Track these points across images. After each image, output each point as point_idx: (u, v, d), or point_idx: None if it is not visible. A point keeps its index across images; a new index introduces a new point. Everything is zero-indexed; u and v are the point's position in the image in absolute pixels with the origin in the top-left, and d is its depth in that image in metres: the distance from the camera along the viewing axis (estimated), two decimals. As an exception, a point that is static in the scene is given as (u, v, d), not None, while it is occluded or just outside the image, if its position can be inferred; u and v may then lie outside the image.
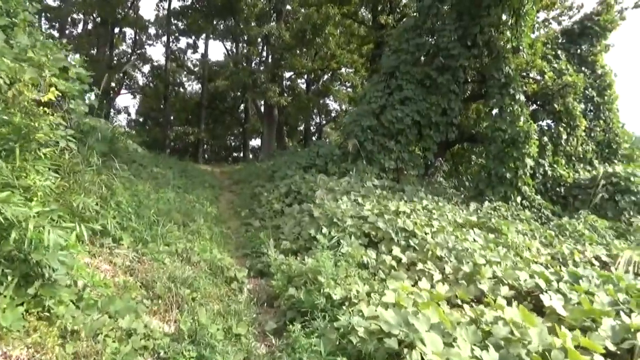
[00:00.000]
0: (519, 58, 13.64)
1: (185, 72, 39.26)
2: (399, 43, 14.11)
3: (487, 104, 13.66)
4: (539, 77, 15.35)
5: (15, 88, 4.55)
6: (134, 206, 6.64)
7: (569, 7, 20.03)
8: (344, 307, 4.47)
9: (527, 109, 13.48)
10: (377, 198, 9.43)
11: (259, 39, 28.73)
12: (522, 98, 13.01)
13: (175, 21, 32.04)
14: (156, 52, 67.92)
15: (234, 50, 33.75)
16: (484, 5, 12.74)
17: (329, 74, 31.74)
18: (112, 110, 34.10)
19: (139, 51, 36.23)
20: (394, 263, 5.94)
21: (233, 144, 43.52)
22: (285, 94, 27.57)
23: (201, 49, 38.58)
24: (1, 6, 6.08)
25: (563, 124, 14.54)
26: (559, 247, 7.93)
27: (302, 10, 26.64)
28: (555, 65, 15.59)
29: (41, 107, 4.74)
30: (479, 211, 10.46)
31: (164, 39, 34.05)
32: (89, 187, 5.74)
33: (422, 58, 13.88)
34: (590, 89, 16.42)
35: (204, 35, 33.02)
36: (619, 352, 3.43)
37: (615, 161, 15.53)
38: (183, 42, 36.99)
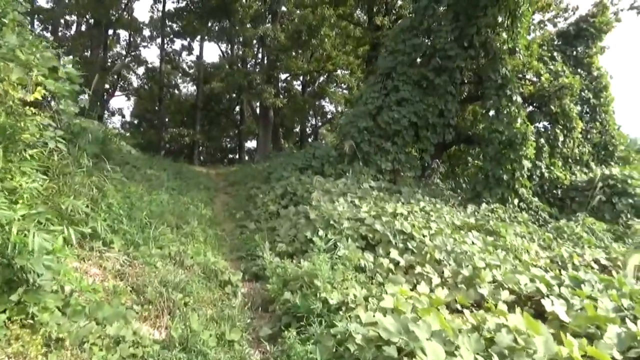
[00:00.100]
0: (515, 59, 13.58)
1: (180, 74, 39.01)
2: (395, 44, 14.03)
3: (484, 105, 13.57)
4: (535, 79, 15.32)
5: (1, 87, 4.40)
6: (125, 208, 6.48)
7: (564, 8, 20.05)
8: (340, 312, 4.34)
9: (524, 111, 13.41)
10: (374, 200, 9.31)
11: (254, 41, 28.62)
12: (519, 99, 12.94)
13: (170, 23, 31.80)
14: (151, 54, 67.55)
15: (229, 51, 33.56)
16: (480, 5, 12.67)
17: (325, 76, 31.68)
18: (106, 112, 33.84)
19: (133, 53, 36.01)
20: (391, 266, 5.82)
21: (229, 145, 43.35)
22: (281, 96, 27.44)
23: (196, 51, 38.56)
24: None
25: (560, 126, 14.51)
26: (557, 250, 7.84)
27: (298, 11, 26.54)
28: (552, 67, 15.57)
29: (28, 107, 4.58)
30: (476, 213, 10.36)
31: (159, 40, 33.82)
32: (79, 189, 5.59)
33: (419, 59, 13.81)
34: (586, 91, 16.41)
35: (198, 37, 32.78)
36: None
37: (612, 163, 15.49)
38: (178, 43, 36.99)
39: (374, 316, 3.78)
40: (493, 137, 12.32)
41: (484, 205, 11.19)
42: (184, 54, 37.15)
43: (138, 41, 35.56)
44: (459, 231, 7.95)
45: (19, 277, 3.33)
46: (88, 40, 30.21)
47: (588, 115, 16.50)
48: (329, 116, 39.03)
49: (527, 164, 12.28)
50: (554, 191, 13.80)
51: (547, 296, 4.63)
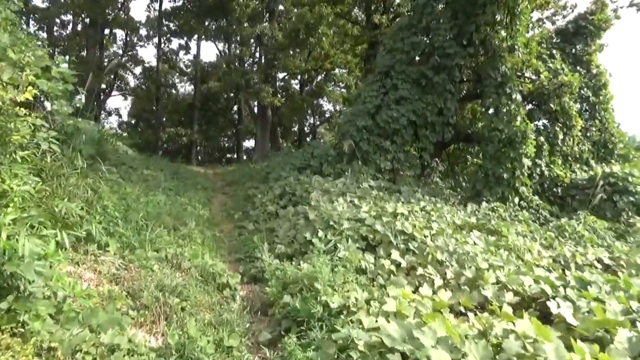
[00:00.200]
0: (514, 57, 13.48)
1: (177, 74, 38.91)
2: (394, 42, 13.92)
3: (483, 103, 13.48)
4: (534, 77, 15.23)
5: (-9, 87, 4.28)
6: (121, 210, 6.36)
7: (563, 6, 19.90)
8: (342, 317, 4.22)
9: (524, 109, 13.32)
10: (374, 199, 9.20)
11: (252, 39, 28.45)
12: (519, 97, 12.85)
13: (167, 22, 31.66)
14: (148, 54, 67.23)
15: (227, 50, 33.43)
16: (479, 3, 12.56)
17: (323, 75, 31.53)
18: (102, 112, 33.65)
19: (130, 52, 35.83)
20: (393, 268, 5.71)
21: (226, 145, 43.21)
22: (279, 95, 27.30)
23: (193, 50, 38.46)
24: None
25: (559, 124, 14.43)
26: (560, 250, 7.75)
27: (295, 10, 26.40)
28: (551, 65, 15.48)
29: (19, 108, 4.45)
30: (477, 212, 10.25)
31: (156, 40, 33.68)
32: (74, 191, 5.47)
33: (418, 57, 13.70)
34: (585, 89, 16.34)
35: (195, 36, 32.65)
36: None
37: (612, 161, 15.41)
38: (175, 43, 36.71)
39: (376, 321, 3.67)
40: (493, 135, 12.22)
41: (484, 204, 11.10)
42: (181, 53, 37.19)
43: (135, 40, 35.42)
44: (461, 231, 7.84)
45: (9, 284, 3.21)
46: (84, 40, 30.02)
47: (587, 113, 16.44)
48: (327, 115, 38.94)
49: (527, 162, 12.19)
50: (554, 189, 13.72)
51: (553, 298, 4.53)
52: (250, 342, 4.42)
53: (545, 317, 4.36)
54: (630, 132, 17.73)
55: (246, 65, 29.99)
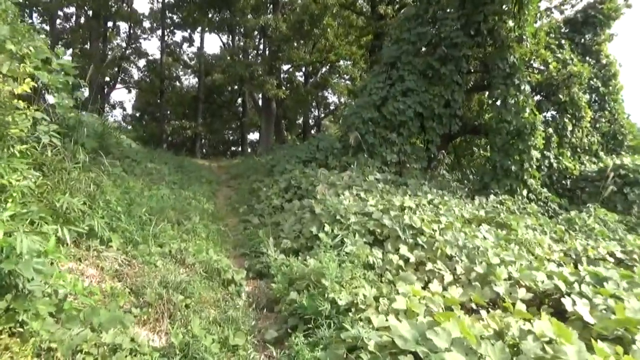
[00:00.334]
0: (522, 47, 13.23)
1: (181, 66, 38.68)
2: (400, 33, 13.69)
3: (491, 94, 13.27)
4: (542, 68, 14.96)
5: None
6: (124, 205, 6.25)
7: (572, -5, 19.57)
8: (350, 314, 4.11)
9: (533, 100, 13.09)
10: (380, 193, 9.06)
11: (256, 31, 28.22)
12: (528, 88, 12.61)
13: (170, 14, 31.47)
14: (151, 46, 67.13)
15: (230, 43, 33.16)
16: (487, -8, 12.33)
17: (327, 67, 31.27)
18: (106, 105, 33.59)
19: (133, 45, 35.67)
20: (401, 263, 5.59)
21: (231, 138, 43.07)
22: (283, 87, 27.09)
23: (197, 42, 38.16)
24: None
25: (568, 115, 14.19)
26: (570, 243, 7.60)
27: (299, 0, 26.11)
28: (559, 55, 15.18)
29: (18, 100, 4.34)
30: (484, 205, 10.09)
31: (159, 32, 33.49)
32: (76, 186, 5.36)
33: (424, 48, 13.47)
34: (595, 79, 16.07)
35: (199, 28, 32.41)
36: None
37: (622, 153, 15.17)
38: (178, 35, 36.62)
39: (386, 320, 3.55)
40: (501, 127, 12.02)
41: (491, 196, 10.93)
42: (185, 45, 36.88)
43: (138, 33, 35.23)
44: (469, 225, 7.70)
45: (6, 282, 3.10)
46: (87, 33, 29.86)
47: (597, 104, 16.18)
48: (331, 107, 38.71)
49: (535, 154, 11.98)
50: (563, 182, 13.52)
51: (568, 294, 4.39)
52: (256, 339, 4.31)
53: (560, 314, 4.22)
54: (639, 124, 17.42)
55: (250, 57, 29.76)
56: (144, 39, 36.31)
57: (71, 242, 4.56)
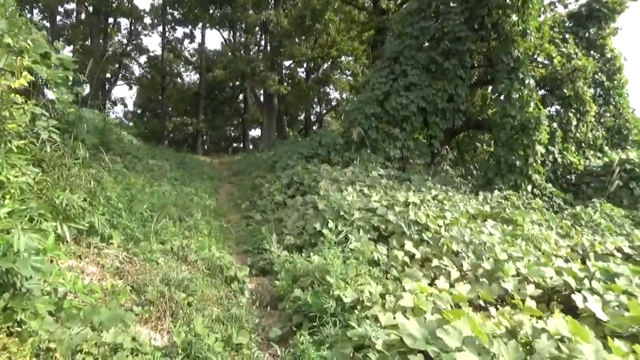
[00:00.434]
0: (526, 42, 13.08)
1: (182, 62, 38.61)
2: (403, 27, 13.57)
3: (495, 89, 13.11)
4: (547, 62, 14.82)
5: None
6: (125, 201, 6.17)
7: (576, -11, 19.37)
8: (356, 312, 4.02)
9: (537, 94, 12.96)
10: (384, 188, 8.97)
11: (257, 27, 28.05)
12: (532, 83, 12.47)
13: (171, 10, 31.37)
14: (152, 42, 66.91)
15: (232, 38, 33.02)
16: (490, -15, 12.18)
17: (329, 62, 31.10)
18: (107, 101, 33.51)
19: (134, 41, 35.57)
20: (407, 259, 5.50)
21: (233, 134, 43.00)
22: (285, 83, 26.94)
23: (198, 38, 38.00)
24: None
25: (572, 110, 14.06)
26: (577, 239, 7.51)
27: (301, -5, 25.94)
28: (564, 49, 15.04)
29: (15, 95, 4.25)
30: (489, 201, 10.00)
31: (160, 28, 33.41)
32: (76, 182, 5.27)
33: (427, 42, 13.33)
34: (599, 74, 15.92)
35: (200, 24, 32.32)
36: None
37: (628, 147, 15.03)
38: (179, 31, 36.37)
39: (394, 317, 3.46)
40: (505, 122, 11.90)
41: (496, 192, 10.83)
42: (186, 41, 36.84)
43: (139, 29, 35.15)
44: (475, 220, 7.60)
45: (4, 280, 3.02)
46: (88, 29, 29.76)
47: (601, 98, 16.05)
48: (333, 103, 38.55)
49: (540, 149, 11.87)
50: (568, 177, 13.42)
51: (578, 291, 4.30)
52: (260, 338, 4.23)
53: (570, 310, 4.13)
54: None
55: (252, 53, 29.61)
56: (145, 35, 36.30)
57: (71, 240, 4.48)
